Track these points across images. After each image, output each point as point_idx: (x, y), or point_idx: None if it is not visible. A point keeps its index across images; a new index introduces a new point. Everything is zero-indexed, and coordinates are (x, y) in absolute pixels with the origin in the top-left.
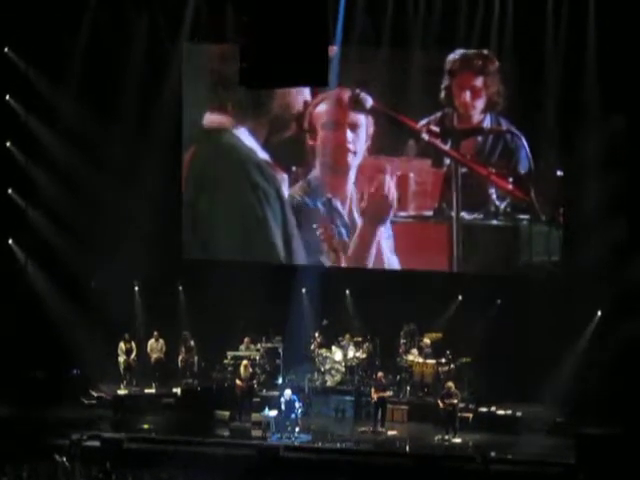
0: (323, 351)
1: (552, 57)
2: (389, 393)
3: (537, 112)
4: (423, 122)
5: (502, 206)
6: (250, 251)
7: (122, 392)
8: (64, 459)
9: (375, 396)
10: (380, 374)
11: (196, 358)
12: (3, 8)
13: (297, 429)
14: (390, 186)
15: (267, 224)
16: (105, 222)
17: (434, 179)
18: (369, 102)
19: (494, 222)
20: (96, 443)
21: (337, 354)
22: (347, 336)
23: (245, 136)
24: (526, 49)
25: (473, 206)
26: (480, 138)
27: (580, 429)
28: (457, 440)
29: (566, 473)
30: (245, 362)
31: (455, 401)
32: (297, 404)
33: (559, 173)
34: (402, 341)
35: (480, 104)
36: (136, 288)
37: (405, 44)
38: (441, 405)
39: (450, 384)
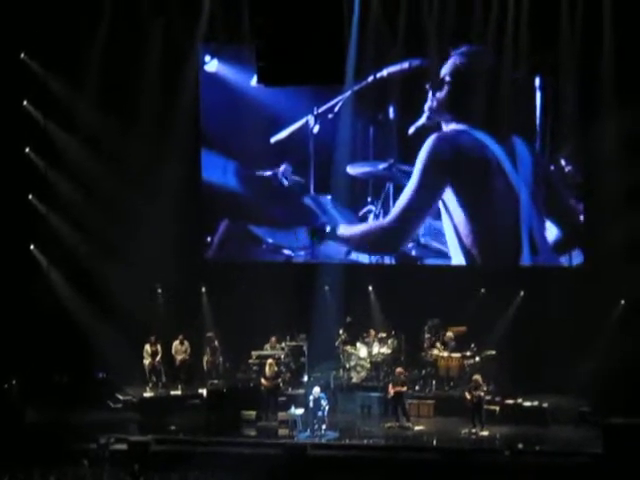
0: (348, 348)
1: (568, 50)
2: (405, 388)
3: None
4: None
5: None
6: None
7: (148, 394)
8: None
9: (392, 391)
10: (399, 369)
11: (221, 359)
12: (19, 13)
13: (324, 426)
14: None
15: None
16: (126, 225)
17: None
18: None
19: None
20: (123, 446)
21: (362, 350)
22: (371, 332)
23: None
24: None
25: None
26: None
27: (607, 419)
28: (484, 433)
29: (594, 463)
30: (270, 361)
31: (482, 393)
32: (324, 401)
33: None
34: (426, 336)
35: None
36: (159, 290)
37: (420, 41)
38: (468, 397)
39: (477, 377)
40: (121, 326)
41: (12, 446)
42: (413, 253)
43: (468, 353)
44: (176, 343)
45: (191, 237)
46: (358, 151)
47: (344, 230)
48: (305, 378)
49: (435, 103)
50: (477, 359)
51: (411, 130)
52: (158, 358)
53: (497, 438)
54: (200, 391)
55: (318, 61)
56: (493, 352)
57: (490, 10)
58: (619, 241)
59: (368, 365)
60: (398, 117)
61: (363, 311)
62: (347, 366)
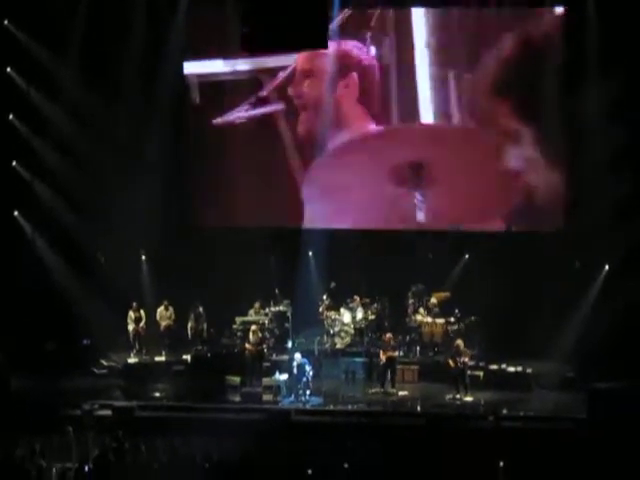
0: (332, 313)
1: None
2: (396, 353)
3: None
4: None
5: None
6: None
7: (132, 360)
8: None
9: (383, 357)
10: (389, 335)
11: (205, 325)
12: None
13: (308, 392)
14: None
15: None
16: (111, 192)
17: None
18: None
19: None
20: (108, 412)
21: (346, 316)
22: (356, 298)
23: None
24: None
25: None
26: None
27: (591, 384)
28: (468, 398)
29: (578, 428)
30: (254, 327)
31: (465, 359)
32: (307, 367)
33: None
34: (410, 301)
35: None
36: (143, 257)
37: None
38: (451, 364)
39: (459, 342)
40: (106, 292)
41: None
42: None
43: (452, 319)
44: (161, 309)
45: (176, 203)
46: None
47: None
48: (289, 344)
49: None
50: (461, 325)
51: None
52: (142, 324)
53: (481, 403)
54: (184, 357)
55: (301, 26)
56: (477, 318)
57: None
58: (602, 207)
59: (352, 331)
60: None
61: (347, 277)
62: (331, 332)
